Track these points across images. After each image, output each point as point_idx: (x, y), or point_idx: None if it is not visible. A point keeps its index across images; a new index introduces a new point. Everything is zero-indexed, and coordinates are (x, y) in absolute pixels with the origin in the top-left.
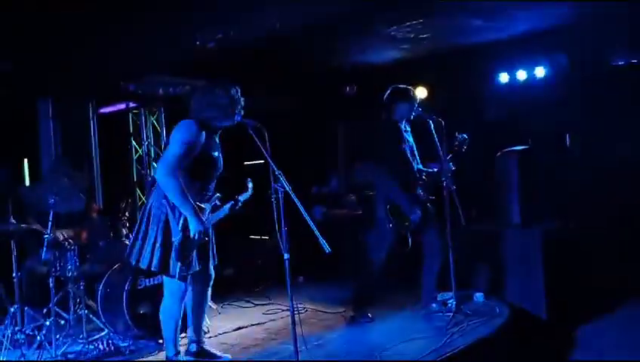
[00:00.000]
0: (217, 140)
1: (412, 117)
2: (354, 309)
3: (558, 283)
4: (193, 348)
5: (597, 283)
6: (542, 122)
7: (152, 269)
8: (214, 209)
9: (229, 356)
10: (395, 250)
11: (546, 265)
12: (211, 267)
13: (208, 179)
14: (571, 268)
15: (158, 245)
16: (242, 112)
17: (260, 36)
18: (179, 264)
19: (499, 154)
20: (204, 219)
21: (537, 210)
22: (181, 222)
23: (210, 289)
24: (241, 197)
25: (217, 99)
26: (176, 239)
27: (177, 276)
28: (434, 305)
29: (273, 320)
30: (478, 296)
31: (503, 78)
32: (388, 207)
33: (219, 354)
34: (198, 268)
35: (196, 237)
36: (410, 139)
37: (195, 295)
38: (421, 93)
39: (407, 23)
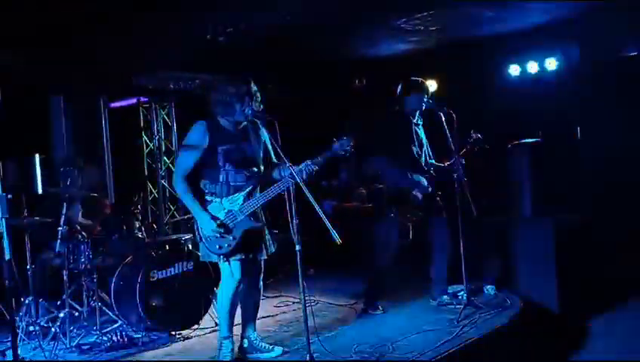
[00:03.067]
0: (253, 130)
1: (423, 108)
2: (365, 301)
3: (569, 274)
4: (245, 343)
5: (608, 275)
6: (553, 114)
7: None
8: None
9: (280, 349)
10: (399, 242)
11: (557, 257)
12: (260, 258)
13: (234, 170)
14: (583, 259)
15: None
16: (261, 107)
17: (270, 30)
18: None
19: (510, 146)
20: (222, 215)
21: (548, 202)
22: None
23: (260, 281)
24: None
25: (228, 95)
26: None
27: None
28: (445, 297)
29: (284, 312)
30: (489, 288)
31: (514, 70)
32: (392, 195)
33: (269, 346)
34: (235, 254)
35: (208, 234)
36: (422, 133)
37: (244, 287)
38: (431, 85)
39: (417, 15)
